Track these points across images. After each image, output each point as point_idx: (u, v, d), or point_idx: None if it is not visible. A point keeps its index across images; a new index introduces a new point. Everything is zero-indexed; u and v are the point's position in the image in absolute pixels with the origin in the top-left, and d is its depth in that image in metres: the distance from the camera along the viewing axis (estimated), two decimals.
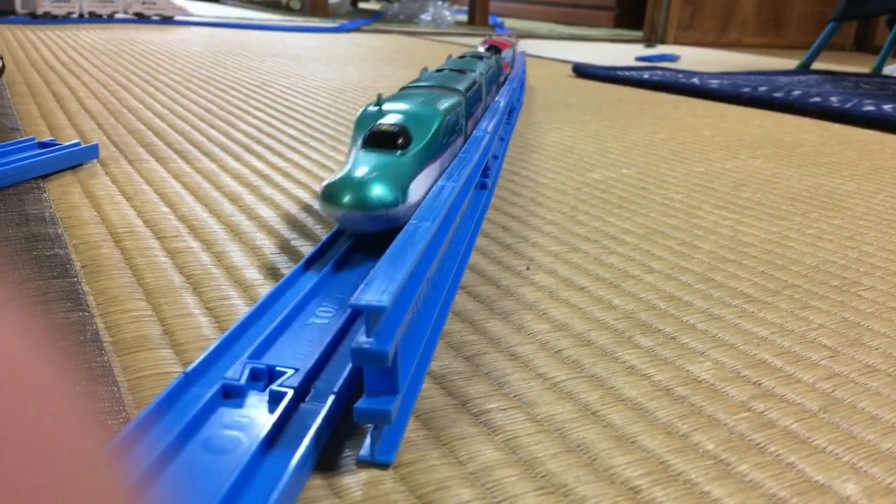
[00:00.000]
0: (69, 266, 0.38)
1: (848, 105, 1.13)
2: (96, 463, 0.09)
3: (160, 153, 0.64)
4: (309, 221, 0.48)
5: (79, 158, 0.57)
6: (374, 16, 3.01)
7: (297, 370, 0.27)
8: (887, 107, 1.13)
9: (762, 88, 1.27)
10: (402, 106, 0.46)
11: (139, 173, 0.57)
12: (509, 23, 3.44)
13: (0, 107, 0.77)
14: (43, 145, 0.58)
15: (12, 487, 0.07)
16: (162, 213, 0.48)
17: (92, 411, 0.10)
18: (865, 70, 1.99)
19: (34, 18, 1.87)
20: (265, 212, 0.49)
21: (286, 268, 0.40)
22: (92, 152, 0.59)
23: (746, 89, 1.25)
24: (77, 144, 0.58)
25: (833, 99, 1.19)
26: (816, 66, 1.96)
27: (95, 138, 0.67)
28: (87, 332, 0.31)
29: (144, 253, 0.41)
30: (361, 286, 0.24)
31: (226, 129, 0.76)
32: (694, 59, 2.16)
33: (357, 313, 0.33)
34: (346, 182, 0.37)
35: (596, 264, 0.44)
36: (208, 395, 0.25)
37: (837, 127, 1.04)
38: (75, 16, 1.98)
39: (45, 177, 0.54)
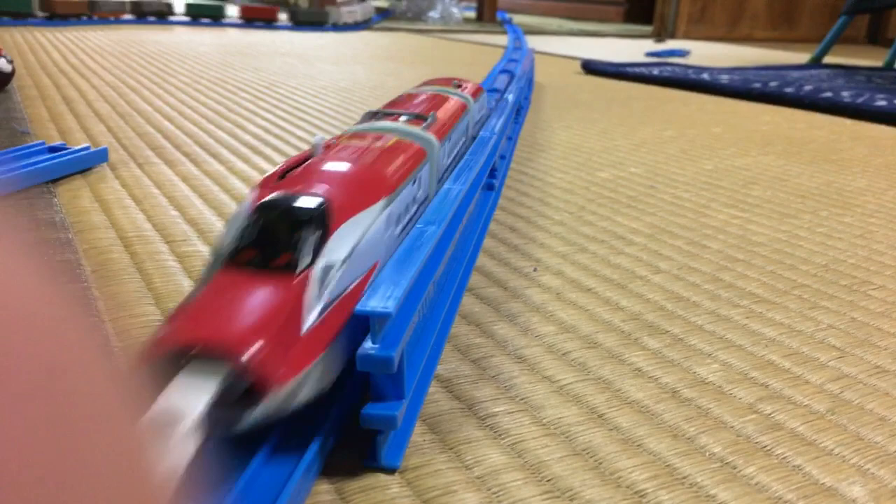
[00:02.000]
0: (79, 271, 0.38)
1: (860, 100, 1.12)
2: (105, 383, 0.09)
3: (169, 156, 0.64)
4: None
5: (88, 162, 0.58)
6: (383, 14, 3.01)
7: None
8: None
9: (773, 84, 1.27)
10: None
11: (148, 176, 0.57)
12: (518, 19, 3.43)
13: (11, 111, 0.78)
14: (53, 149, 0.58)
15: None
16: (171, 216, 0.48)
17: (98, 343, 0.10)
18: (878, 63, 1.97)
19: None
20: None
21: None
22: (101, 156, 0.59)
23: (757, 85, 1.24)
24: (87, 148, 0.58)
25: (845, 94, 1.18)
26: (828, 59, 1.94)
27: (105, 141, 0.68)
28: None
29: (154, 257, 0.41)
30: (367, 291, 0.25)
31: (234, 130, 0.76)
32: (704, 53, 2.15)
33: None
34: None
35: (603, 265, 0.44)
36: None
37: (849, 122, 1.04)
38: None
39: (55, 181, 0.54)
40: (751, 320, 0.37)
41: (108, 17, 2.01)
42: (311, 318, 0.23)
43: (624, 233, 0.50)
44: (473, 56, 1.68)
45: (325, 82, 1.14)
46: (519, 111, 0.85)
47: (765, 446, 0.27)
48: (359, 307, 0.23)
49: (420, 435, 0.26)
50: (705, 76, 1.35)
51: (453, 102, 0.45)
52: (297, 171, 0.28)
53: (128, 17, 2.07)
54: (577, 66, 1.58)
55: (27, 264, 0.09)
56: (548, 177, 0.64)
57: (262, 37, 1.90)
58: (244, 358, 0.21)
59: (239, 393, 0.21)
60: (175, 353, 0.20)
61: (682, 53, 2.04)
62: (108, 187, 0.54)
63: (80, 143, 0.66)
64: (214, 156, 0.65)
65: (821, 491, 0.25)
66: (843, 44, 3.06)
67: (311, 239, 0.24)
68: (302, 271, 0.23)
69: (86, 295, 0.36)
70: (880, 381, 0.32)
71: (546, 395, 0.29)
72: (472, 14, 3.31)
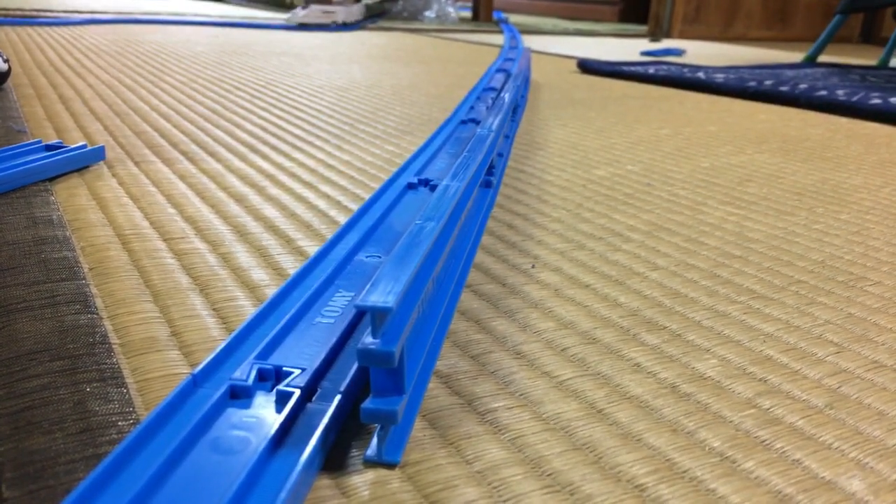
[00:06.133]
0: (77, 268, 0.38)
1: (854, 98, 1.12)
2: None
3: (166, 154, 0.64)
4: (315, 221, 0.48)
5: (85, 161, 0.58)
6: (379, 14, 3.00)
7: (303, 370, 0.27)
8: (894, 100, 1.12)
9: (768, 82, 1.27)
10: None
11: (145, 175, 0.57)
12: (513, 18, 3.43)
13: (7, 109, 0.78)
14: (49, 148, 0.58)
15: None
16: (168, 214, 0.48)
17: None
18: (872, 62, 1.98)
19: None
20: (271, 212, 0.50)
21: (292, 268, 0.40)
22: (98, 154, 0.59)
23: (752, 83, 1.25)
24: (83, 146, 0.58)
25: (839, 92, 1.19)
26: (822, 58, 1.95)
27: (101, 140, 0.68)
28: (95, 334, 0.32)
29: (152, 255, 0.41)
30: (367, 287, 0.25)
31: (231, 129, 0.76)
32: (699, 53, 2.16)
33: (363, 313, 0.33)
34: None
35: (601, 261, 0.44)
36: (216, 395, 0.25)
37: (844, 120, 1.04)
38: None
39: (52, 179, 0.54)
40: (748, 316, 0.38)
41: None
42: None
43: (621, 230, 0.50)
44: (470, 55, 1.68)
45: (322, 81, 1.14)
46: (516, 110, 0.85)
47: (764, 441, 0.27)
48: (359, 302, 0.23)
49: (420, 430, 0.27)
50: (700, 75, 1.35)
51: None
52: None
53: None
54: (573, 65, 1.59)
55: None
56: (545, 174, 0.64)
57: (259, 36, 1.90)
58: None
59: None
60: None
61: (678, 53, 2.04)
62: (106, 185, 0.54)
63: (76, 141, 0.66)
64: (212, 154, 0.65)
65: (820, 485, 0.25)
66: (838, 43, 3.07)
67: None
68: None
69: (84, 292, 0.36)
70: (878, 376, 0.32)
71: (545, 391, 0.30)
72: (467, 14, 3.31)
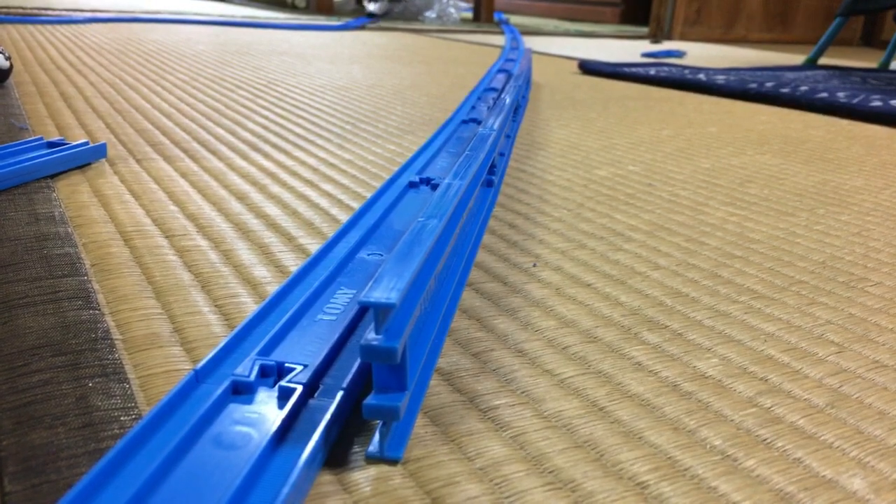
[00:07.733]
0: (79, 265, 0.38)
1: (855, 100, 1.12)
2: None
3: (168, 152, 0.64)
4: (316, 219, 0.48)
5: (87, 158, 0.58)
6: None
7: (305, 366, 0.27)
8: (895, 102, 1.12)
9: (769, 84, 1.27)
10: None
11: (147, 172, 0.57)
12: (514, 19, 3.44)
13: (9, 107, 0.78)
14: (51, 145, 0.58)
15: None
16: (170, 211, 0.48)
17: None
18: (873, 65, 1.98)
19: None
20: (272, 210, 0.50)
21: (294, 265, 0.40)
22: (100, 151, 0.59)
23: (753, 85, 1.25)
24: (85, 144, 0.58)
25: (840, 94, 1.19)
26: (823, 61, 1.95)
27: (103, 137, 0.68)
28: (97, 330, 0.32)
29: (153, 251, 0.41)
30: (370, 283, 0.25)
31: (233, 127, 0.76)
32: (700, 54, 2.16)
33: (365, 309, 0.33)
34: None
35: (602, 261, 0.44)
36: (218, 391, 0.25)
37: (845, 122, 1.04)
38: None
39: (54, 176, 0.54)
40: (750, 316, 0.38)
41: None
42: None
43: (622, 230, 0.50)
44: (471, 56, 1.68)
45: (323, 81, 1.14)
46: (517, 110, 0.85)
47: (765, 439, 0.27)
48: (362, 298, 0.23)
49: (422, 427, 0.27)
50: (701, 76, 1.36)
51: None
52: None
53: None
54: (574, 66, 1.59)
55: None
56: (546, 174, 0.64)
57: (261, 36, 1.90)
58: None
59: None
60: None
61: (679, 54, 2.05)
62: (107, 182, 0.54)
63: (78, 138, 0.66)
64: (213, 152, 0.65)
65: (821, 483, 0.25)
66: (838, 46, 3.07)
67: None
68: None
69: (86, 288, 0.36)
70: (879, 376, 0.32)
71: (547, 389, 0.30)
72: (469, 14, 3.32)
